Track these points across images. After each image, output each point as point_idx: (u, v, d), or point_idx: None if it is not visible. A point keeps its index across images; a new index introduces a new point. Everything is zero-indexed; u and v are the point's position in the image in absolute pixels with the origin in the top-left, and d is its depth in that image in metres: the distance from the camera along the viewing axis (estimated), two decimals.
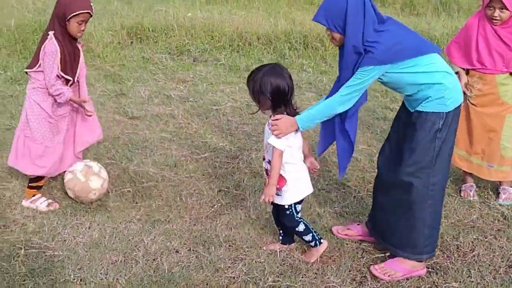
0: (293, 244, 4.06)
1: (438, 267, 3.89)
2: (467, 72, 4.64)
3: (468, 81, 4.62)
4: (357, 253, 4.04)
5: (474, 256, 4.03)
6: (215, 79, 7.88)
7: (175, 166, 5.30)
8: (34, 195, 4.56)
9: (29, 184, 4.58)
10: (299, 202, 3.82)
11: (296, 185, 3.73)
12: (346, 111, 3.63)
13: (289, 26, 9.84)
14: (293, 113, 3.61)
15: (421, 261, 3.80)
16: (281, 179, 3.67)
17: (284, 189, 3.70)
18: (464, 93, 4.64)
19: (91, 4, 4.29)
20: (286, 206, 3.76)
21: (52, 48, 4.21)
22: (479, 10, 4.62)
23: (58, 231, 4.22)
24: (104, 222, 4.34)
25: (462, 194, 4.83)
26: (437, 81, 3.50)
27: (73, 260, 3.87)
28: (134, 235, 4.18)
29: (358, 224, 4.23)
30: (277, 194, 3.69)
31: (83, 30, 4.33)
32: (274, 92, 3.49)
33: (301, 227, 3.83)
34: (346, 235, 4.19)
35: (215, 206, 4.62)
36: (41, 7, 10.95)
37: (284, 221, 3.87)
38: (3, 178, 4.95)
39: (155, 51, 9.11)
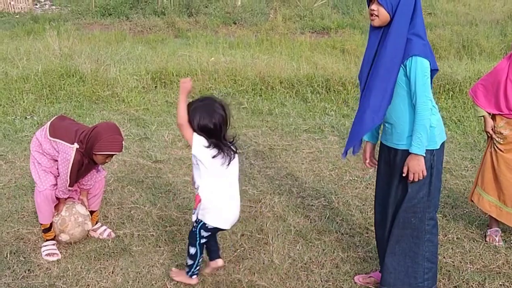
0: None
1: None
2: (493, 117, 4.62)
3: (494, 126, 4.60)
4: None
5: None
6: (238, 123, 7.94)
7: None
8: (47, 240, 4.61)
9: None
10: (209, 230, 3.88)
11: (212, 211, 3.82)
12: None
13: (311, 70, 9.95)
14: (227, 146, 3.77)
15: None
16: (197, 197, 3.79)
17: (199, 206, 3.81)
18: (491, 137, 4.63)
19: (123, 143, 4.40)
20: (194, 223, 3.89)
21: (67, 156, 4.31)
22: (509, 54, 4.60)
23: (82, 276, 4.23)
24: (127, 266, 4.35)
25: (487, 239, 4.76)
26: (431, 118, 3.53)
27: None
28: (157, 280, 4.18)
29: (380, 271, 4.18)
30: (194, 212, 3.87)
31: (107, 161, 4.43)
32: (201, 130, 3.69)
33: (192, 250, 3.95)
34: (368, 283, 4.14)
35: (238, 251, 4.61)
36: (67, 52, 11.19)
37: (188, 235, 4.01)
38: (28, 222, 5.00)
39: (178, 95, 9.22)
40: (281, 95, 9.22)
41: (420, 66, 3.42)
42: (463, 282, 4.15)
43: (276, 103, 8.88)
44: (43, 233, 4.61)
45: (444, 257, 4.49)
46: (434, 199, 3.71)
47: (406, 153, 3.56)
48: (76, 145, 4.27)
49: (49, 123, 4.50)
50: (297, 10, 17.69)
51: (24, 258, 4.47)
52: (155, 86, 9.64)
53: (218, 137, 3.71)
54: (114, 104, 8.70)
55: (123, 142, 4.36)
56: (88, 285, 4.12)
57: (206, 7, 18.39)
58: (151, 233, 4.87)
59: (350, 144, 3.80)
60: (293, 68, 10.12)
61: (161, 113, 8.38)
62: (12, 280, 4.17)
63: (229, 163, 3.76)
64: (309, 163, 6.53)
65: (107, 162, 4.41)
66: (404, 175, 3.60)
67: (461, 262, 4.44)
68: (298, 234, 4.88)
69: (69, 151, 4.26)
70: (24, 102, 8.59)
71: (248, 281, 4.16)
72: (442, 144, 3.66)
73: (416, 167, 3.52)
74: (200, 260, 3.98)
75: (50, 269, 4.32)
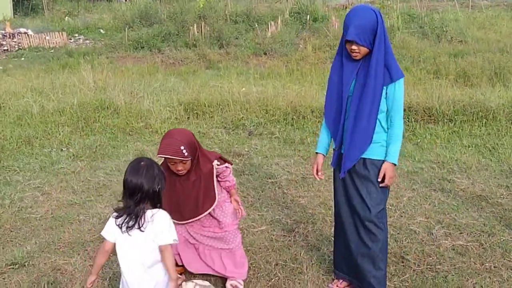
0: None
1: None
2: None
3: None
4: None
5: None
6: (270, 152, 7.97)
7: None
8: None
9: None
10: None
11: None
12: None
13: None
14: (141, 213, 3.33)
15: None
16: None
17: None
18: None
19: (181, 149, 3.95)
20: None
21: None
22: None
23: None
24: None
25: None
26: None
27: None
28: None
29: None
30: None
31: (180, 170, 4.06)
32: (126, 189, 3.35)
33: None
34: None
35: (273, 280, 4.60)
36: (101, 85, 11.40)
37: None
38: (65, 253, 5.06)
39: (211, 125, 9.32)
40: (313, 124, 9.24)
41: (401, 86, 3.89)
42: None
43: (308, 132, 8.90)
44: None
45: (481, 286, 4.42)
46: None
47: (375, 161, 3.99)
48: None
49: None
50: (327, 40, 17.73)
51: None
52: (188, 117, 9.74)
53: (137, 200, 3.32)
54: (148, 135, 8.81)
55: (179, 146, 3.95)
56: None
57: (237, 38, 18.58)
58: None
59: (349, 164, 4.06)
60: (324, 97, 10.13)
61: None
62: None
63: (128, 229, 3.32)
64: None
65: (179, 171, 4.04)
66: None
67: None
68: (333, 263, 4.85)
69: None
70: (60, 134, 8.75)
71: None
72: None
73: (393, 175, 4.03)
74: None
75: None
